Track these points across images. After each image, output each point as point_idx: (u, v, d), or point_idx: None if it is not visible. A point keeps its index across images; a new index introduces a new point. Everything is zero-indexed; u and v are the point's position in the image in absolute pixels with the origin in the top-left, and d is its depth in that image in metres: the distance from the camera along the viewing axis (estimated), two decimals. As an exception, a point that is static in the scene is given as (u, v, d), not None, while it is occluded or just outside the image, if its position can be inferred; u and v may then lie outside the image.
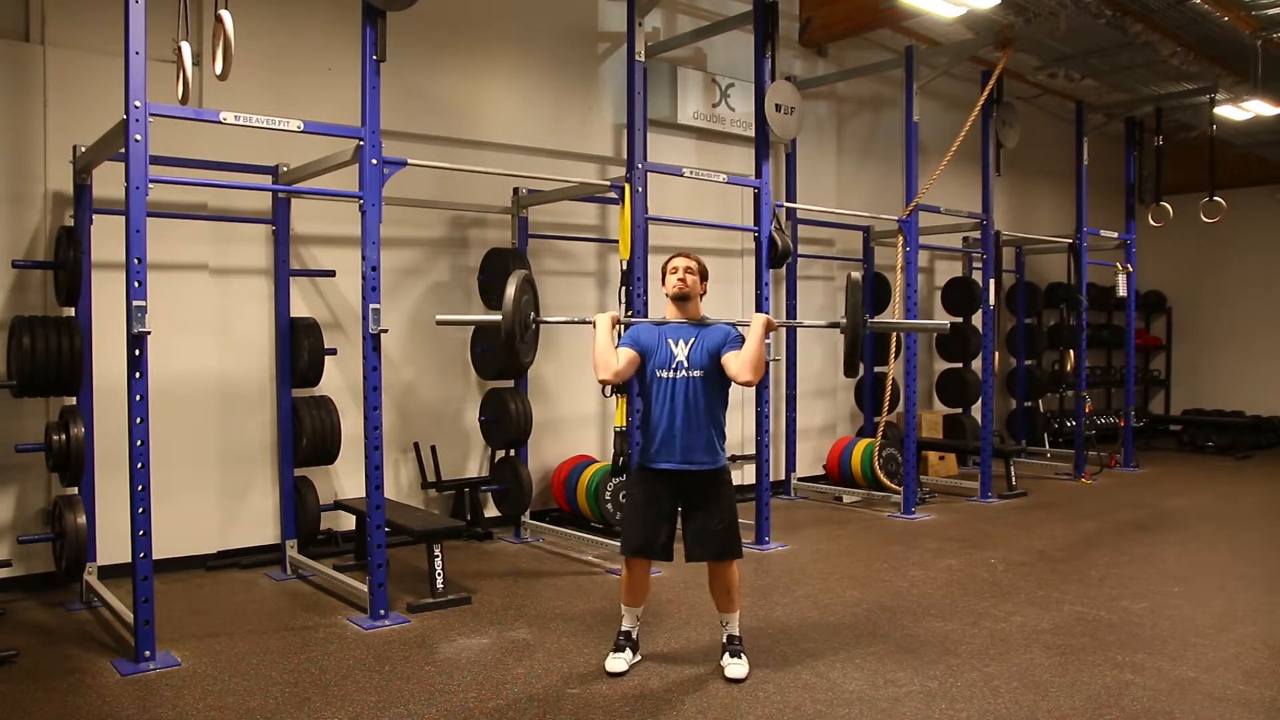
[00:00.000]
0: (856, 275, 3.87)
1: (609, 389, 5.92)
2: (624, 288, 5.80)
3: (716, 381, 3.76)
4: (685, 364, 3.71)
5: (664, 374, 3.73)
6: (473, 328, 6.39)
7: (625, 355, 3.75)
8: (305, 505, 5.51)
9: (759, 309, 6.18)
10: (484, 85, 6.67)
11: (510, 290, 3.78)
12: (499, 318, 3.81)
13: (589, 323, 3.90)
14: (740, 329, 3.84)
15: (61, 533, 4.60)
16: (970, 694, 3.60)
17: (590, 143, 7.16)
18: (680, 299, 3.81)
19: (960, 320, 9.35)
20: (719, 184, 6.37)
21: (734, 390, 3.84)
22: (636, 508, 3.82)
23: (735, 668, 3.77)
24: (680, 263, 3.84)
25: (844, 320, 3.82)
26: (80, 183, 4.78)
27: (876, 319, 3.83)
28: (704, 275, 3.88)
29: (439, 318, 4.27)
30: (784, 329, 8.06)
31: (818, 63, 8.67)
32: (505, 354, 3.81)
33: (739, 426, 7.54)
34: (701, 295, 3.88)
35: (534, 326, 4.01)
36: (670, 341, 3.75)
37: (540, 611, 4.68)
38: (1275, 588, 5.24)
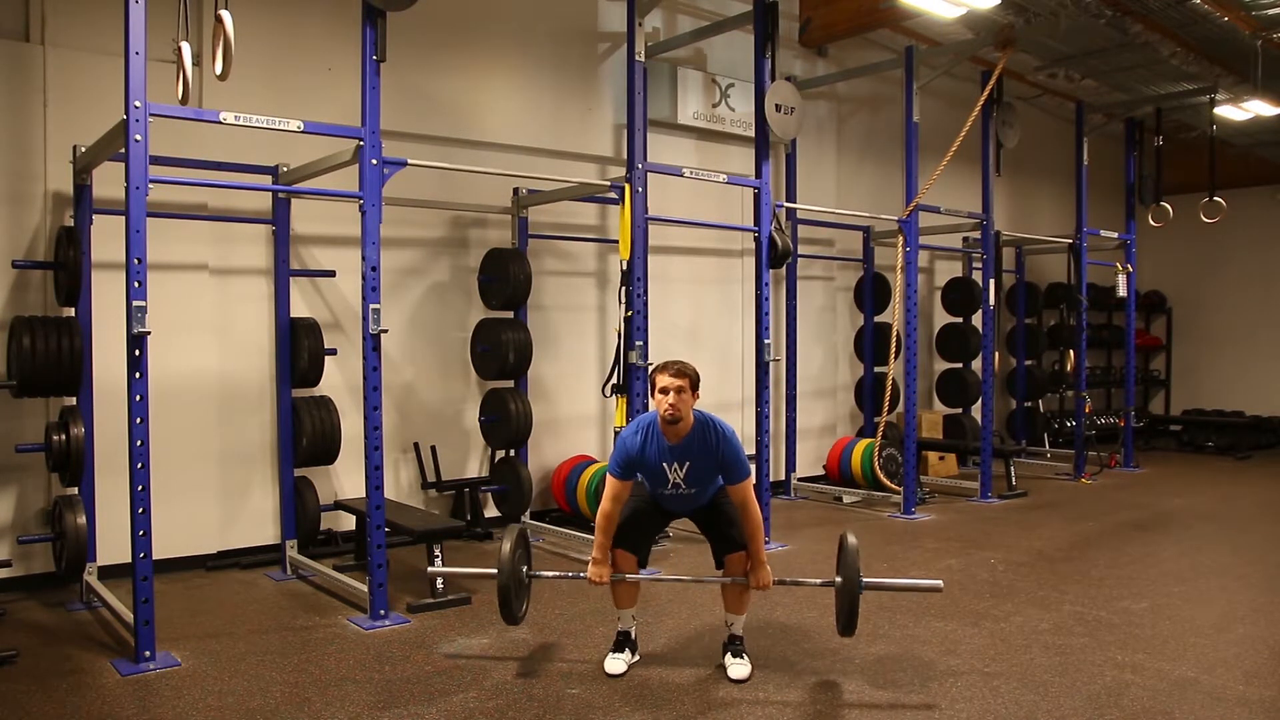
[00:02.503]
0: (853, 539, 3.76)
1: (609, 389, 5.93)
2: (624, 288, 5.80)
3: (714, 483, 3.86)
4: (683, 485, 3.78)
5: (661, 490, 3.83)
6: (472, 329, 6.40)
7: (622, 488, 3.77)
8: (305, 505, 5.51)
9: (759, 310, 6.18)
10: (484, 85, 6.67)
11: (505, 546, 3.77)
12: (495, 571, 3.77)
13: (582, 577, 3.85)
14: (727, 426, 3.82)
15: (61, 533, 4.60)
16: (970, 694, 3.60)
17: (590, 143, 7.16)
18: (671, 422, 3.69)
19: (960, 320, 9.36)
20: (719, 184, 6.37)
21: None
22: (633, 512, 3.85)
23: (738, 668, 3.77)
24: (670, 383, 3.64)
25: (839, 580, 3.73)
26: (80, 183, 4.78)
27: (869, 581, 3.74)
28: (695, 386, 3.73)
29: (430, 570, 4.47)
30: (784, 330, 8.06)
31: (818, 63, 8.67)
32: (500, 607, 3.79)
33: (739, 426, 7.54)
34: (694, 403, 3.76)
35: (527, 582, 4.00)
36: (665, 466, 3.76)
37: (540, 611, 4.67)
38: (1275, 588, 5.24)
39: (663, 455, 3.73)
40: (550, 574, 4.18)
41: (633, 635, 3.94)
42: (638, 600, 3.97)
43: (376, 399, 4.48)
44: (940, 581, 3.95)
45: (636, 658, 3.92)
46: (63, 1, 5.07)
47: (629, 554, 3.84)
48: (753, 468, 6.56)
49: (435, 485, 6.27)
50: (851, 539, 3.75)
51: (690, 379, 3.69)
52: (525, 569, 3.96)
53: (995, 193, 8.04)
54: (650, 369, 3.83)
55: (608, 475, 3.81)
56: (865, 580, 3.70)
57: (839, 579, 3.71)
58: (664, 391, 3.66)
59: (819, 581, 3.94)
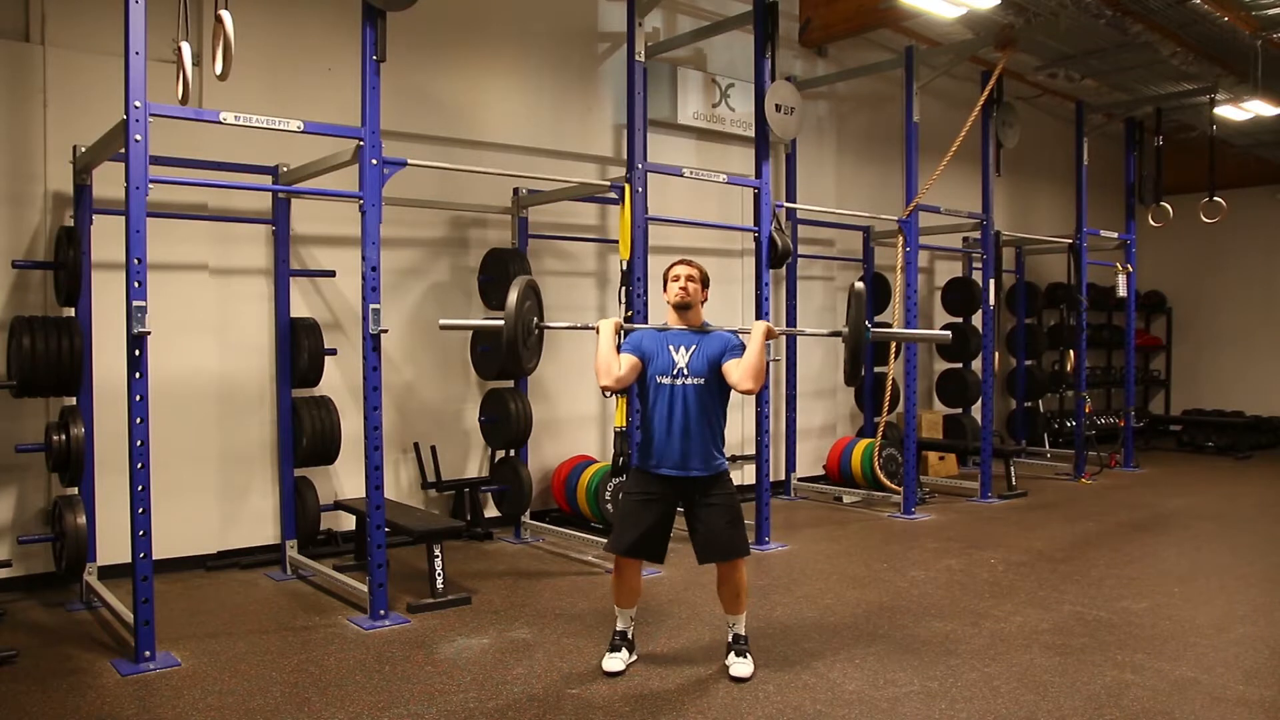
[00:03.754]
0: (860, 285, 3.84)
1: (610, 392, 5.92)
2: (624, 288, 5.80)
3: (716, 389, 3.76)
4: (686, 371, 3.71)
5: (664, 380, 3.73)
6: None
7: (627, 361, 3.75)
8: (305, 505, 5.51)
9: (759, 310, 6.18)
10: (484, 85, 6.68)
11: (513, 295, 3.74)
12: (501, 322, 3.79)
13: (592, 328, 3.88)
14: (742, 336, 3.83)
15: (61, 533, 4.60)
16: (970, 694, 3.60)
17: (590, 143, 7.16)
18: (682, 307, 3.79)
19: (960, 320, 9.36)
20: (719, 184, 6.38)
21: (733, 392, 3.84)
22: (632, 506, 3.82)
23: (740, 667, 3.77)
24: (682, 270, 3.80)
25: (846, 329, 3.78)
26: (80, 183, 4.78)
27: (877, 329, 3.76)
28: (705, 282, 3.85)
29: (442, 322, 4.24)
30: (782, 338, 8.05)
31: (818, 63, 8.67)
32: (508, 359, 3.78)
33: (739, 426, 7.55)
34: (703, 302, 3.85)
35: (537, 332, 3.99)
36: (671, 348, 3.75)
37: (540, 611, 4.68)
38: (1275, 588, 5.24)
39: (669, 339, 3.78)
40: (561, 325, 4.32)
41: (630, 635, 3.94)
42: (637, 601, 3.97)
43: (376, 399, 4.48)
44: (948, 333, 4.06)
45: (634, 657, 3.92)
46: (63, 1, 5.08)
47: (637, 562, 3.85)
48: (752, 468, 6.57)
49: (435, 485, 6.27)
50: (859, 285, 3.80)
51: (702, 273, 3.83)
52: (535, 319, 3.95)
53: (995, 193, 8.04)
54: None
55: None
56: (873, 330, 3.70)
57: (846, 328, 3.77)
58: (676, 279, 3.79)
59: (826, 332, 4.12)
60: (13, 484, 4.97)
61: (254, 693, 3.61)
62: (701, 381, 3.72)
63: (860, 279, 3.87)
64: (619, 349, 3.81)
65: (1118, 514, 7.38)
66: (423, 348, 6.36)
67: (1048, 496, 8.13)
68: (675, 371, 3.72)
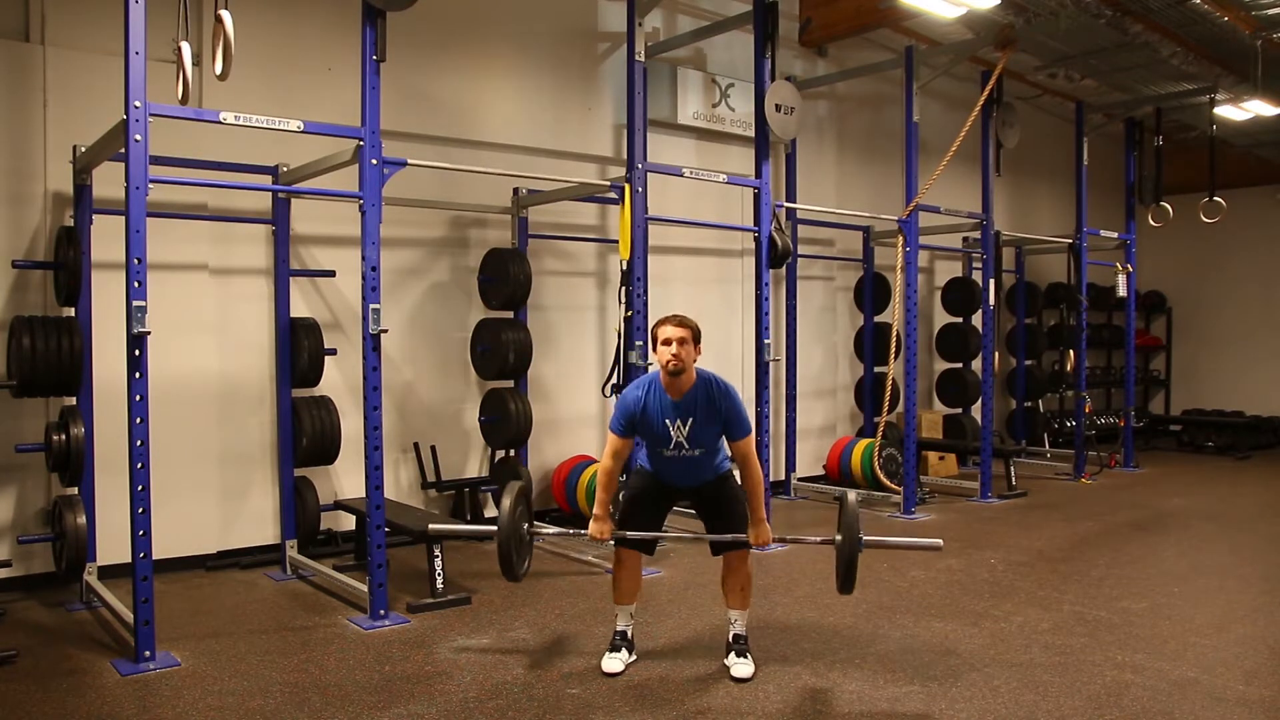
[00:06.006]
0: (852, 497, 3.74)
1: (609, 389, 5.93)
2: (624, 288, 5.80)
3: (716, 445, 3.83)
4: (685, 445, 3.74)
5: (662, 450, 3.78)
6: (472, 329, 6.40)
7: (618, 449, 3.80)
8: (305, 505, 5.51)
9: (759, 309, 6.19)
10: (484, 85, 6.67)
11: (506, 501, 3.75)
12: (494, 529, 3.76)
13: (583, 534, 3.87)
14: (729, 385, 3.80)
15: (61, 533, 4.60)
16: (970, 694, 3.60)
17: (590, 143, 7.16)
18: (674, 374, 3.68)
19: (960, 320, 9.36)
20: (719, 184, 6.38)
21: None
22: (635, 497, 3.83)
23: (741, 667, 3.77)
24: (673, 334, 3.62)
25: (839, 538, 3.67)
26: (80, 183, 4.78)
27: (865, 539, 3.68)
28: (697, 338, 3.72)
29: (431, 527, 4.42)
30: (784, 330, 8.07)
31: (818, 63, 8.67)
32: (502, 566, 3.78)
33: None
34: (695, 360, 3.72)
35: (529, 539, 3.98)
36: (668, 423, 3.72)
37: (540, 611, 4.68)
38: (1275, 588, 5.24)
39: (665, 412, 3.70)
40: (551, 530, 4.22)
41: (629, 635, 3.94)
42: (638, 598, 3.97)
43: (376, 399, 4.48)
44: (939, 540, 3.93)
45: (633, 657, 3.92)
46: (63, 1, 5.07)
47: (638, 552, 3.86)
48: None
49: (435, 485, 6.27)
50: (852, 497, 3.74)
51: (693, 331, 3.68)
52: (526, 525, 3.95)
53: (995, 193, 8.03)
54: (652, 324, 3.83)
55: (609, 433, 3.83)
56: (865, 538, 3.65)
57: (839, 537, 3.67)
58: (666, 343, 3.64)
59: (818, 539, 3.94)
60: (13, 484, 4.97)
61: (254, 693, 3.61)
62: (703, 451, 3.78)
63: (850, 496, 3.81)
64: (610, 426, 3.86)
65: (1118, 514, 7.38)
66: (423, 348, 6.36)
67: (1048, 496, 8.13)
68: (674, 445, 3.74)
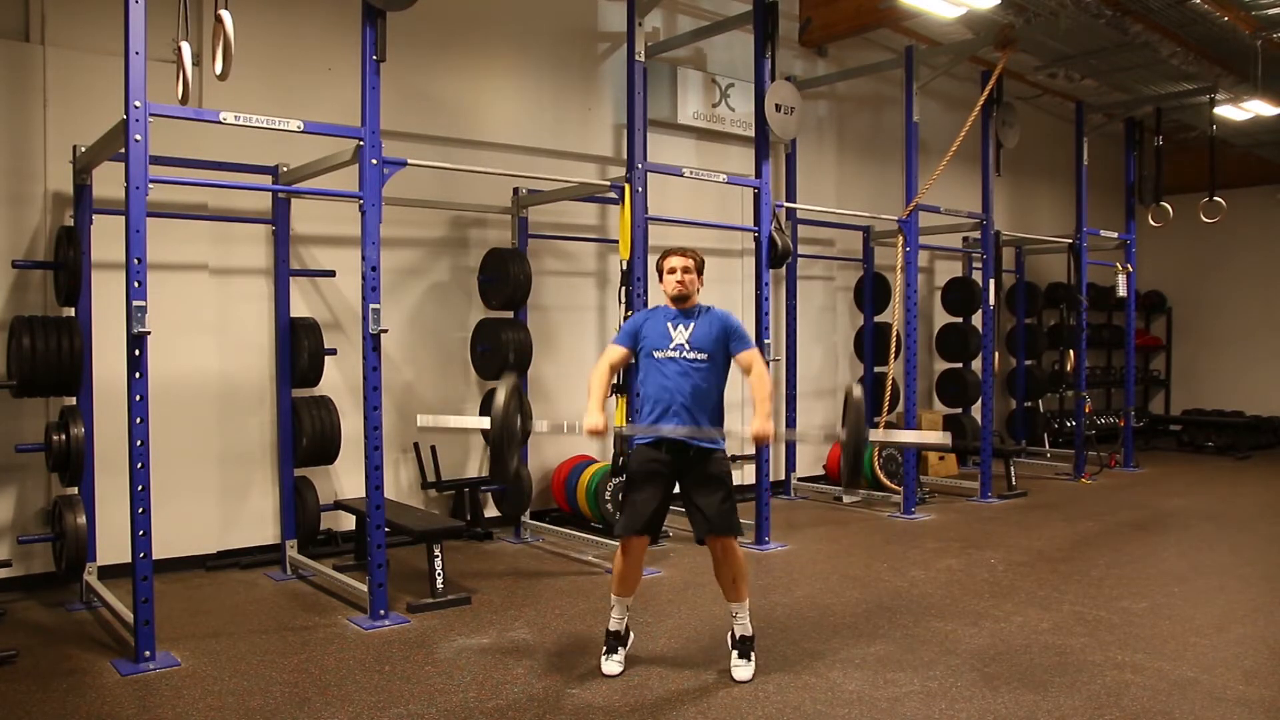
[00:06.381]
0: (858, 391, 3.69)
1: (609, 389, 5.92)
2: (624, 288, 5.80)
3: (717, 368, 3.80)
4: (686, 346, 3.76)
5: (660, 354, 3.78)
6: (472, 329, 6.40)
7: (615, 359, 3.86)
8: (305, 505, 5.51)
9: (759, 309, 6.19)
10: (484, 85, 6.68)
11: (500, 397, 3.69)
12: (487, 423, 3.72)
13: (576, 432, 3.87)
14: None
15: (61, 533, 4.60)
16: (970, 694, 3.60)
17: (590, 143, 7.16)
18: (679, 299, 3.83)
19: (960, 320, 9.36)
20: (719, 184, 6.38)
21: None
22: (635, 484, 3.81)
23: (742, 669, 3.76)
24: (677, 263, 3.81)
25: (844, 431, 3.64)
26: (80, 183, 4.78)
27: (875, 432, 3.59)
28: (700, 269, 3.88)
29: (420, 419, 4.46)
30: (784, 330, 8.06)
31: (818, 63, 8.67)
32: (493, 464, 3.77)
33: (739, 427, 7.54)
34: (699, 289, 3.87)
35: (520, 436, 3.94)
36: (670, 325, 3.79)
37: (540, 611, 4.68)
38: (1275, 588, 5.24)
39: (668, 317, 3.82)
40: (545, 427, 4.24)
41: (622, 633, 3.89)
42: (635, 592, 3.94)
43: (376, 399, 4.48)
44: (948, 435, 4.00)
45: (630, 646, 3.91)
46: (63, 1, 5.08)
47: (644, 540, 3.82)
48: (752, 468, 6.56)
49: (435, 485, 6.27)
50: (857, 392, 3.71)
51: (697, 261, 3.84)
52: (519, 420, 3.90)
53: (995, 193, 8.03)
54: (655, 259, 3.96)
55: (609, 345, 3.93)
56: (872, 435, 3.64)
57: (843, 432, 3.68)
58: (671, 271, 3.81)
59: (823, 434, 3.95)
60: (13, 484, 4.97)
61: (254, 693, 3.61)
62: (705, 357, 3.76)
63: (860, 380, 3.77)
64: (615, 340, 3.94)
65: (1118, 514, 7.38)
66: (423, 348, 6.36)
67: (1048, 496, 8.13)
68: (673, 346, 3.77)
